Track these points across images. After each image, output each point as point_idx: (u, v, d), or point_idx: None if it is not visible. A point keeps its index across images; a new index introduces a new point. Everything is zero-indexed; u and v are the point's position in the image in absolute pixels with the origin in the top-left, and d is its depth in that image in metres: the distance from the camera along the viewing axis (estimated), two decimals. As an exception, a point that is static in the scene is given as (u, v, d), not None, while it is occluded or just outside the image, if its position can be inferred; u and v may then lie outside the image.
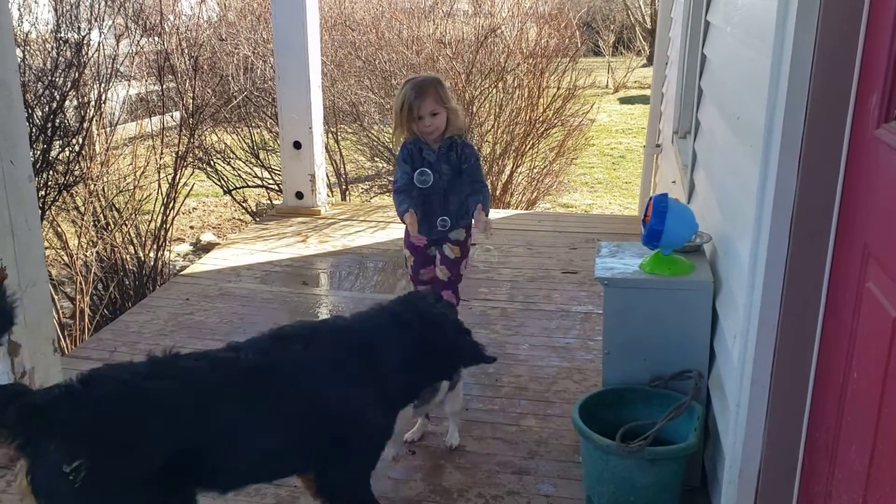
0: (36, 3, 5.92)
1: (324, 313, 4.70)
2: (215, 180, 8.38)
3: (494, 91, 8.24)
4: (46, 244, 5.29)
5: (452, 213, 3.52)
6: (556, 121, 8.49)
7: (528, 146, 8.35)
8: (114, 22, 6.58)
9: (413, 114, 3.36)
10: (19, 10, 5.77)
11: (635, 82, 18.35)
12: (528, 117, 8.25)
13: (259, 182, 8.50)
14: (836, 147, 1.90)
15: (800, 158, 1.96)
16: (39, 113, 5.43)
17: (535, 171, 8.59)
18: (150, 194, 6.42)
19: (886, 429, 1.57)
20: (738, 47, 2.84)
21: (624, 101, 16.73)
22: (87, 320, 5.33)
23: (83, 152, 5.76)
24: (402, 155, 3.48)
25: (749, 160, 2.34)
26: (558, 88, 8.58)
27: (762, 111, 2.07)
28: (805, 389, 2.07)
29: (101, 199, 5.97)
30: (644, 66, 19.07)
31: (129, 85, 7.20)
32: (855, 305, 1.78)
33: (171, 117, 7.14)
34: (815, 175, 1.95)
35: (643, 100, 15.17)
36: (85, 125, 5.80)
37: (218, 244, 7.36)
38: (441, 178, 3.46)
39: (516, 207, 8.32)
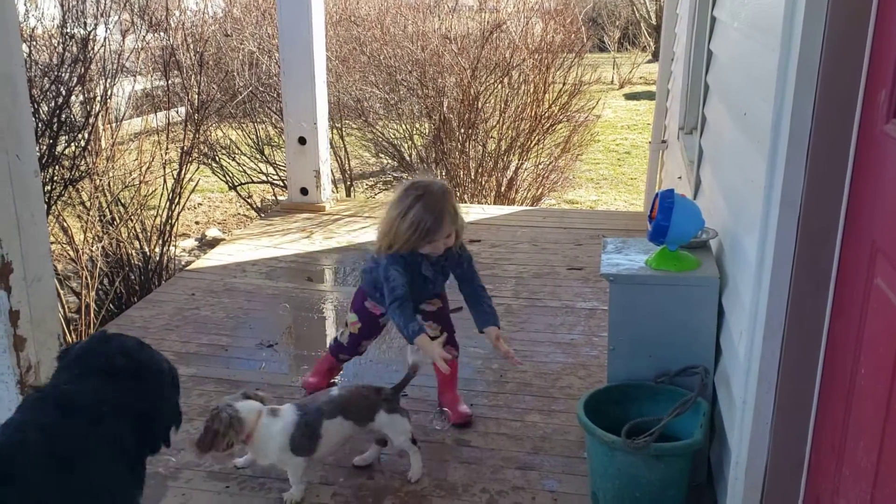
0: (42, -2, 5.93)
1: (328, 309, 4.70)
2: (220, 176, 8.39)
3: (500, 86, 8.23)
4: (52, 239, 5.30)
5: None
6: (561, 117, 8.48)
7: (534, 142, 8.34)
8: (120, 17, 6.59)
9: (427, 239, 3.02)
10: (25, 5, 5.78)
11: (640, 78, 18.31)
12: (533, 113, 8.23)
13: (264, 178, 8.51)
14: (845, 143, 1.89)
15: (807, 154, 1.95)
16: (45, 108, 5.43)
17: (540, 167, 8.57)
18: (155, 190, 6.43)
19: (895, 425, 1.56)
20: (746, 43, 2.83)
21: (629, 96, 16.69)
22: (92, 315, 5.34)
23: (89, 147, 5.77)
24: (398, 264, 3.05)
25: (756, 156, 2.33)
26: (564, 84, 8.56)
27: (770, 107, 2.06)
28: (812, 386, 2.06)
29: (107, 194, 5.98)
30: (649, 61, 19.03)
31: (134, 80, 7.20)
32: (863, 302, 1.77)
33: (177, 113, 7.14)
34: (823, 171, 1.94)
35: (648, 96, 15.13)
36: (91, 120, 5.81)
37: (223, 240, 7.37)
38: (434, 286, 3.24)
39: (521, 203, 8.31)
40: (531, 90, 8.27)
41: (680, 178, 5.01)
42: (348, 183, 8.83)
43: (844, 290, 1.92)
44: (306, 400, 3.00)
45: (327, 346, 3.74)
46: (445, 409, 3.37)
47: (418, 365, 3.01)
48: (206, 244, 7.83)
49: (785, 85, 1.99)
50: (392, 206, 3.07)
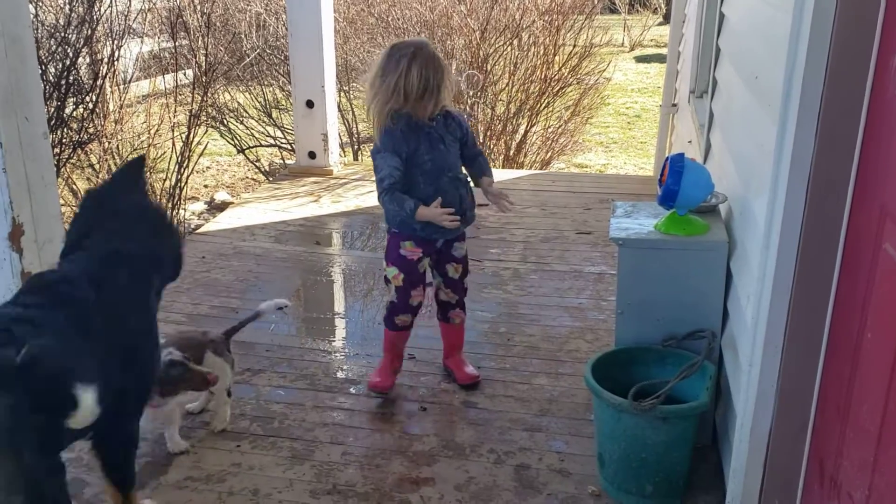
0: (47, -42, 5.87)
1: (336, 273, 4.73)
2: (228, 139, 8.38)
3: (509, 48, 8.15)
4: (62, 202, 5.32)
5: (468, 203, 3.14)
6: (571, 79, 8.41)
7: (543, 105, 8.28)
8: (126, -23, 6.53)
9: (436, 95, 2.92)
10: (31, -35, 5.74)
11: (651, 40, 18.10)
12: (543, 75, 8.16)
13: (272, 141, 8.49)
14: (856, 107, 1.87)
15: (818, 118, 1.94)
16: (53, 70, 5.43)
17: (549, 130, 8.53)
18: (164, 153, 6.43)
19: (899, 389, 1.58)
20: (758, 5, 2.79)
21: (640, 59, 16.53)
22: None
23: (97, 110, 5.77)
24: (392, 142, 2.94)
25: (767, 120, 2.32)
26: (574, 46, 8.48)
27: (781, 70, 2.05)
28: (818, 350, 2.08)
29: (116, 156, 5.99)
30: (660, 24, 18.78)
31: (141, 42, 7.17)
32: (871, 267, 1.77)
33: (184, 75, 7.11)
34: (834, 135, 1.93)
35: (659, 58, 14.96)
36: (98, 82, 5.80)
37: (232, 203, 7.37)
38: (449, 153, 3.05)
39: (530, 167, 8.28)
40: (541, 52, 8.19)
41: (690, 142, 4.98)
42: (356, 146, 8.81)
43: (852, 254, 1.92)
44: None
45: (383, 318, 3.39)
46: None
47: (262, 312, 3.23)
48: (215, 207, 7.84)
49: (797, 48, 1.97)
50: (382, 72, 2.91)
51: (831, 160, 1.94)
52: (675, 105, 6.67)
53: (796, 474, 2.20)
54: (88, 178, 5.92)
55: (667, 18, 14.73)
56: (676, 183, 2.73)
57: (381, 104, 2.94)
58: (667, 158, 2.84)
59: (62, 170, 5.47)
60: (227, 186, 8.88)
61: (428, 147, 3.01)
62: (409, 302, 3.23)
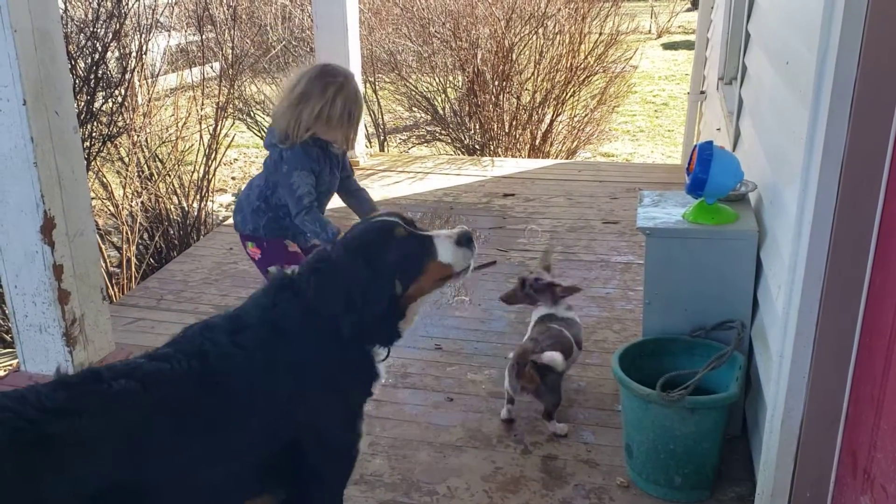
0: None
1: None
2: (255, 131, 8.42)
3: (534, 37, 8.09)
4: (92, 194, 5.39)
5: None
6: (597, 67, 8.33)
7: (569, 94, 8.22)
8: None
9: (353, 126, 3.02)
10: (59, -40, 5.80)
11: (679, 27, 17.89)
12: (568, 64, 8.09)
13: (298, 132, 8.51)
14: (890, 93, 1.83)
15: (851, 104, 1.90)
16: (82, 64, 5.48)
17: (575, 119, 8.46)
18: (192, 145, 6.48)
19: (935, 380, 1.55)
20: (789, -11, 2.74)
21: (667, 46, 16.34)
22: (133, 269, 5.44)
23: (126, 103, 5.82)
24: (309, 161, 2.96)
25: (798, 106, 2.28)
26: (600, 34, 8.39)
27: (814, 55, 2.01)
28: (851, 340, 2.04)
29: (145, 149, 6.05)
30: (688, 10, 18.56)
31: (169, 35, 7.21)
32: (906, 255, 1.74)
33: (211, 68, 7.16)
34: (868, 121, 1.89)
35: (687, 45, 14.78)
36: (127, 76, 5.84)
37: (259, 194, 7.42)
38: (337, 180, 3.15)
39: (556, 157, 8.23)
40: (566, 41, 8.12)
41: (719, 129, 4.91)
42: (382, 137, 8.82)
43: (886, 243, 1.88)
44: None
45: None
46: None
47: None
48: (243, 199, 7.90)
49: (830, 33, 1.93)
50: (305, 93, 2.94)
51: (865, 146, 1.90)
52: (703, 92, 6.58)
53: (828, 466, 2.17)
54: (118, 172, 5.98)
55: (695, 4, 14.53)
56: (705, 171, 2.69)
57: (301, 125, 2.95)
58: (695, 146, 2.81)
59: (92, 163, 5.52)
60: (254, 178, 8.93)
61: (329, 171, 3.07)
62: None
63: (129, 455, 1.69)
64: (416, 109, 9.13)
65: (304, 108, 2.93)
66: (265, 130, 8.35)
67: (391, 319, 2.03)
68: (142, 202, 5.87)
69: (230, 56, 6.77)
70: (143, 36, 6.03)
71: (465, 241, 2.06)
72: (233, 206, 7.65)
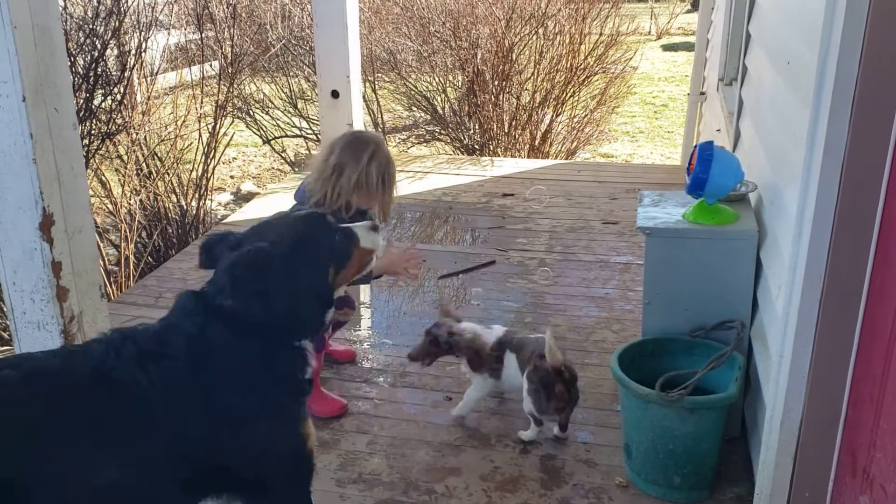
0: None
1: (363, 262, 4.73)
2: (254, 130, 8.42)
3: (535, 37, 8.09)
4: (91, 192, 5.38)
5: None
6: (597, 68, 8.32)
7: (569, 94, 8.21)
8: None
9: (388, 188, 3.04)
10: (59, -43, 5.79)
11: (679, 28, 17.90)
12: (568, 64, 8.09)
13: (297, 132, 8.51)
14: (892, 92, 1.83)
15: (852, 104, 1.90)
16: (81, 61, 5.47)
17: (575, 120, 8.46)
18: (190, 143, 6.47)
19: (935, 380, 1.54)
20: (790, -11, 2.74)
21: (667, 47, 16.35)
22: (131, 267, 5.44)
23: (125, 101, 5.81)
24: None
25: (799, 106, 2.28)
26: (600, 35, 8.40)
27: (815, 55, 2.00)
28: (851, 341, 2.04)
29: (144, 147, 6.04)
30: (688, 11, 18.57)
31: (168, 34, 7.21)
32: (906, 255, 1.74)
33: (210, 66, 7.15)
34: (869, 121, 1.89)
35: (687, 46, 14.79)
36: (126, 74, 5.84)
37: (258, 194, 7.42)
38: None
39: (555, 157, 8.23)
40: (566, 41, 8.12)
41: (719, 130, 4.91)
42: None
43: (887, 243, 1.88)
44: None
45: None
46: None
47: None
48: (242, 198, 7.90)
49: (831, 33, 1.93)
50: (342, 161, 2.97)
51: (866, 147, 1.90)
52: (703, 93, 6.58)
53: (827, 466, 2.17)
54: (117, 170, 5.97)
55: (694, 6, 14.55)
56: (705, 171, 2.69)
57: (341, 196, 2.96)
58: (695, 146, 2.81)
59: (91, 161, 5.51)
60: (254, 177, 8.93)
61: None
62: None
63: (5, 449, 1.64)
64: (415, 109, 9.12)
65: (341, 179, 2.96)
66: (264, 129, 8.38)
67: (323, 309, 2.05)
68: (140, 200, 5.86)
69: (229, 54, 6.77)
70: (143, 34, 6.02)
71: (375, 228, 2.21)
72: (231, 205, 7.64)
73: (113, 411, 1.77)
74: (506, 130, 8.04)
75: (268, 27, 8.09)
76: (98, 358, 1.82)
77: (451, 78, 8.53)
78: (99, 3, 5.59)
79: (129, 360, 1.82)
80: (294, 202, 3.17)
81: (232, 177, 8.93)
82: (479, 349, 2.98)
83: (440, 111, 8.54)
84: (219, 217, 6.80)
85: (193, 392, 1.84)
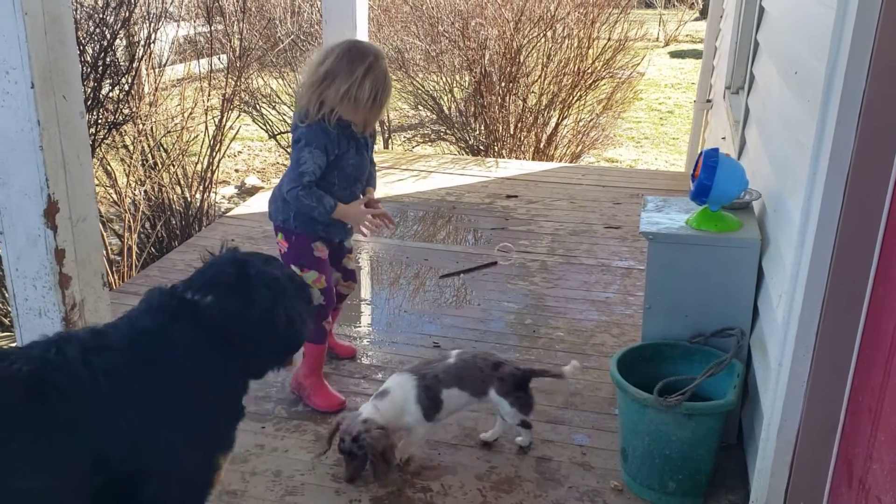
0: (87, -60, 5.93)
1: (364, 259, 4.74)
2: (261, 124, 8.42)
3: (543, 40, 8.10)
4: (96, 181, 5.39)
5: None
6: (604, 73, 8.33)
7: (575, 98, 8.22)
8: (163, -39, 6.58)
9: (380, 107, 2.87)
10: (71, -54, 5.79)
11: (687, 36, 17.89)
12: (576, 68, 8.10)
13: (303, 127, 8.50)
14: (899, 104, 1.84)
15: (859, 115, 1.91)
16: (90, 51, 5.48)
17: (580, 123, 8.46)
18: (196, 136, 6.48)
19: (934, 392, 1.55)
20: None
21: (674, 54, 16.34)
22: (134, 257, 5.44)
23: (132, 92, 5.82)
24: (325, 141, 2.83)
25: (806, 116, 2.28)
26: (608, 39, 8.40)
27: (823, 66, 2.01)
28: (850, 351, 2.04)
29: (150, 138, 6.05)
30: (697, 19, 18.57)
31: (178, 26, 7.22)
32: (908, 267, 1.74)
33: (219, 60, 7.16)
34: (875, 133, 1.89)
35: (694, 54, 14.80)
36: (134, 64, 5.85)
37: (262, 188, 7.43)
38: (366, 161, 3.04)
39: (560, 160, 8.23)
40: (575, 45, 8.13)
41: (724, 138, 4.92)
42: (387, 135, 8.81)
43: (891, 254, 1.88)
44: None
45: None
46: None
47: (565, 375, 2.93)
48: (246, 192, 7.91)
49: (840, 44, 1.94)
50: (331, 70, 2.78)
51: (871, 158, 1.90)
52: (709, 101, 6.59)
53: (823, 476, 2.17)
54: (122, 159, 5.98)
55: (703, 14, 14.55)
56: (710, 178, 2.70)
57: (325, 104, 2.82)
58: (701, 153, 2.81)
59: (97, 150, 5.52)
60: (258, 171, 8.94)
61: (354, 152, 2.95)
62: (333, 301, 3.17)
63: None
64: (421, 108, 9.13)
65: (329, 87, 2.79)
66: (270, 124, 8.38)
67: (288, 350, 2.10)
68: (145, 191, 5.87)
69: (238, 48, 6.77)
70: (152, 25, 6.03)
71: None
72: (235, 199, 7.65)
73: (44, 412, 1.71)
74: (511, 132, 8.05)
75: (277, 22, 8.09)
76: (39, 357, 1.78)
77: (458, 78, 8.54)
78: (109, -7, 5.60)
79: (73, 356, 1.78)
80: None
81: (237, 170, 8.94)
82: (389, 449, 2.69)
83: (446, 111, 8.54)
84: (222, 210, 6.81)
85: (134, 387, 1.80)
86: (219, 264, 2.06)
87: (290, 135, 8.71)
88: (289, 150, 8.92)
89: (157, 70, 6.34)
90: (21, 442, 1.68)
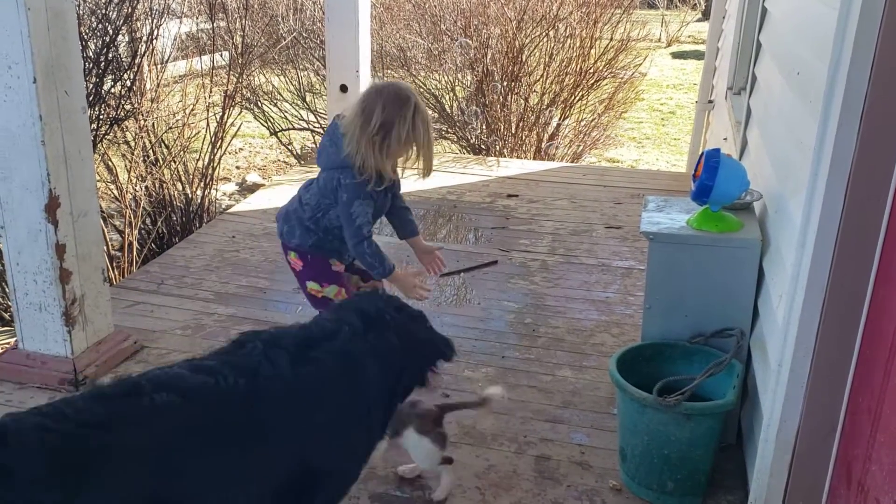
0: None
1: (365, 257, 4.74)
2: (262, 121, 8.42)
3: (545, 39, 8.09)
4: (97, 177, 5.39)
5: None
6: (606, 73, 8.32)
7: (577, 98, 8.21)
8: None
9: (427, 151, 2.85)
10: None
11: (689, 37, 17.89)
12: (578, 68, 8.09)
13: (305, 125, 8.52)
14: (901, 105, 1.84)
15: (861, 117, 1.91)
16: (93, 46, 5.48)
17: (582, 123, 8.46)
18: (198, 132, 6.48)
19: (933, 394, 1.55)
20: (804, 0, 2.74)
21: (676, 55, 16.34)
22: (134, 253, 5.45)
23: (134, 87, 5.82)
24: (365, 189, 2.80)
25: (807, 117, 2.28)
26: (611, 39, 8.40)
27: (825, 67, 2.01)
28: (850, 352, 2.04)
29: (151, 134, 6.05)
30: (699, 20, 18.56)
31: (180, 22, 7.22)
32: (909, 269, 1.74)
33: (221, 56, 7.16)
34: (877, 134, 1.89)
35: (696, 55, 14.79)
36: (136, 61, 5.85)
37: (263, 185, 7.43)
38: (389, 202, 3.05)
39: (561, 160, 8.23)
40: (577, 44, 8.12)
41: (726, 139, 4.92)
42: (388, 133, 8.80)
43: (891, 256, 1.88)
44: None
45: None
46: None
47: (488, 400, 2.74)
48: (246, 189, 7.90)
49: (843, 45, 1.94)
50: (389, 119, 2.72)
51: (873, 160, 1.91)
52: (711, 101, 6.59)
53: (822, 477, 2.17)
54: (124, 155, 5.98)
55: (705, 15, 14.55)
56: (711, 178, 2.70)
57: (390, 155, 2.80)
58: (702, 153, 2.81)
59: (98, 145, 5.52)
60: (259, 169, 8.94)
61: (384, 195, 2.94)
62: None
63: (167, 474, 1.66)
64: (423, 107, 9.11)
65: (389, 137, 2.73)
66: (271, 121, 8.38)
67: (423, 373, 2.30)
68: (146, 187, 5.87)
69: (240, 45, 6.77)
70: (155, 21, 6.03)
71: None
72: (236, 196, 7.65)
73: (255, 426, 1.81)
74: (512, 132, 8.05)
75: (279, 19, 8.09)
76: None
77: (459, 76, 8.53)
78: (112, -12, 5.60)
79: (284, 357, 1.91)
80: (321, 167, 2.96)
81: (238, 167, 8.94)
82: None
83: (448, 109, 8.54)
84: (223, 207, 6.81)
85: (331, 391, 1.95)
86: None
87: (289, 132, 8.60)
88: (289, 147, 8.91)
89: (159, 66, 6.34)
90: (242, 449, 1.77)
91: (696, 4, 19.86)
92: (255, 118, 8.39)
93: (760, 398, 2.52)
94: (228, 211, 5.65)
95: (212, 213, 6.39)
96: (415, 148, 2.82)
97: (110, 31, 5.57)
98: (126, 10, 5.69)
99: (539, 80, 8.11)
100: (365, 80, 6.31)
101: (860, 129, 1.91)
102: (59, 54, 2.98)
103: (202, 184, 6.27)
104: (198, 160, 6.34)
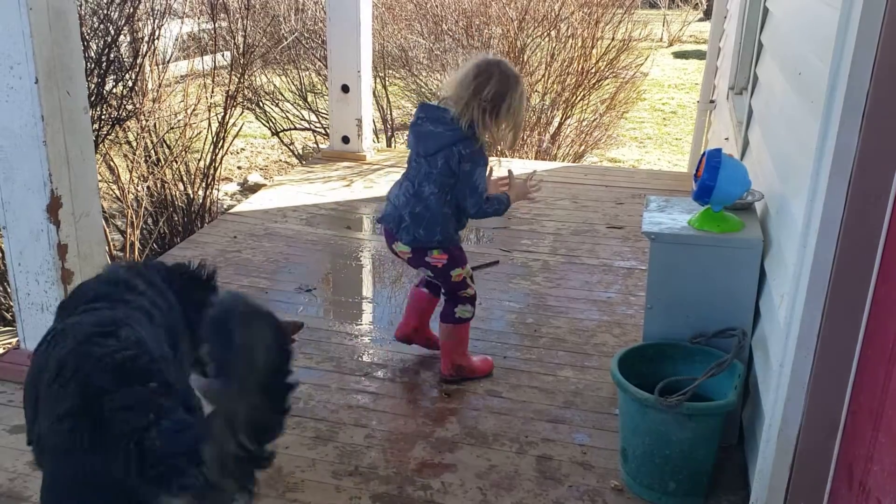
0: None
1: (366, 257, 4.74)
2: (263, 122, 8.43)
3: (547, 39, 8.10)
4: (99, 177, 5.40)
5: None
6: (608, 73, 8.33)
7: (579, 97, 8.22)
8: (168, -43, 6.58)
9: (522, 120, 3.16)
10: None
11: (690, 37, 17.89)
12: (580, 67, 8.10)
13: (306, 125, 8.52)
14: (903, 106, 1.83)
15: (863, 117, 1.90)
16: (94, 47, 5.49)
17: (583, 123, 8.46)
18: (199, 133, 6.48)
19: (935, 394, 1.54)
20: (806, 0, 2.74)
21: (678, 55, 16.34)
22: (136, 253, 5.45)
23: (136, 88, 5.83)
24: (485, 157, 3.09)
25: (809, 117, 2.28)
26: (612, 39, 8.40)
27: (827, 67, 2.01)
28: (852, 352, 2.04)
29: (153, 135, 6.06)
30: (700, 19, 18.55)
31: (182, 22, 7.23)
32: (911, 269, 1.74)
33: (223, 56, 7.17)
34: (879, 134, 1.89)
35: (698, 55, 14.79)
36: (138, 61, 5.85)
37: (264, 185, 7.43)
38: None
39: (563, 160, 8.23)
40: (579, 44, 8.12)
41: (727, 139, 4.92)
42: (390, 133, 8.82)
43: (893, 256, 1.88)
44: None
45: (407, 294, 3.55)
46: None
47: None
48: (248, 189, 7.91)
49: (844, 44, 1.93)
50: (502, 90, 2.95)
51: (875, 160, 1.90)
52: (712, 101, 6.59)
53: (824, 477, 2.17)
54: (125, 155, 5.99)
55: (707, 14, 14.54)
56: (712, 178, 2.70)
57: (493, 120, 2.98)
58: (704, 153, 2.81)
59: (100, 146, 5.53)
60: (261, 169, 8.95)
61: None
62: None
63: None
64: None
65: (499, 107, 2.95)
66: (273, 121, 8.39)
67: None
68: (147, 187, 5.88)
69: (242, 45, 6.78)
70: (156, 21, 6.04)
71: None
72: (238, 196, 7.65)
73: None
74: (514, 131, 8.04)
75: (281, 19, 8.10)
76: None
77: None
78: (114, -12, 5.61)
79: None
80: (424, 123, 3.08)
81: (239, 167, 8.95)
82: None
83: (449, 110, 8.53)
84: (225, 207, 6.81)
85: None
86: None
87: (291, 132, 8.59)
88: (291, 147, 8.90)
89: (160, 66, 6.34)
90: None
91: (697, 4, 19.85)
92: (256, 118, 8.40)
93: (762, 398, 2.52)
94: (230, 211, 5.65)
95: (213, 213, 6.40)
96: (513, 122, 3.04)
97: (112, 32, 5.57)
98: (128, 11, 5.70)
99: (541, 79, 8.12)
100: (366, 81, 6.32)
101: (862, 129, 1.91)
102: (61, 54, 2.98)
103: (204, 184, 6.28)
104: (199, 160, 6.35)
